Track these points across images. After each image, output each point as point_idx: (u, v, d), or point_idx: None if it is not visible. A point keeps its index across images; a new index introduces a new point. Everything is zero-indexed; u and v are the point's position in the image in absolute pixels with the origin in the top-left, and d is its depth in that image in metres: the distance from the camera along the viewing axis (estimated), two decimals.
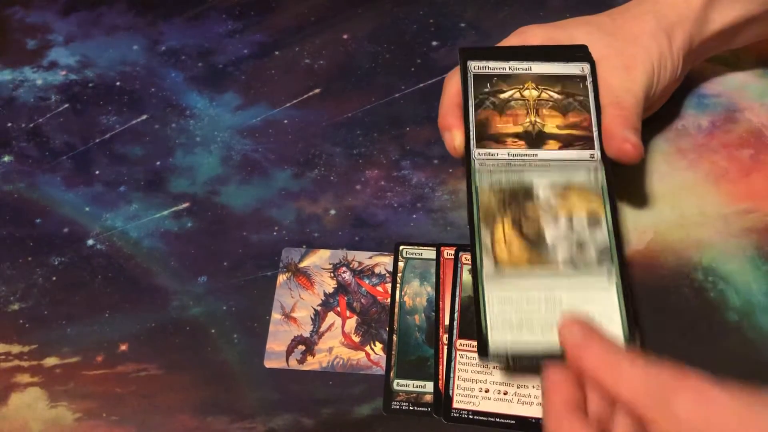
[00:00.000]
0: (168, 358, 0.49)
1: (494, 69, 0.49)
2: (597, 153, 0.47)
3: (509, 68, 0.49)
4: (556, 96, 0.49)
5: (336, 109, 0.60)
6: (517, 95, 0.49)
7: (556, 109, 0.49)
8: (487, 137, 0.47)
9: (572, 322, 0.39)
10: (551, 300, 0.42)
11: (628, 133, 0.47)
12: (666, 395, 0.34)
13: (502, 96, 0.49)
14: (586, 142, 0.48)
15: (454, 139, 0.49)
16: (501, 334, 0.42)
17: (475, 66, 0.49)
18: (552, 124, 0.48)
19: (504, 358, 0.43)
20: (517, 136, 0.48)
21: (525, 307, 0.42)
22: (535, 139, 0.48)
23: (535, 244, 0.44)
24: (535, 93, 0.49)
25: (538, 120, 0.48)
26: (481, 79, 0.49)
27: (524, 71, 0.49)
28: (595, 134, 0.48)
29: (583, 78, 0.49)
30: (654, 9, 0.51)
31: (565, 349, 0.38)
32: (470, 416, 0.45)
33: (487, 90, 0.49)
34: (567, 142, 0.48)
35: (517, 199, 0.46)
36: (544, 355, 0.41)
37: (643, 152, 0.47)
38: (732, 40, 0.54)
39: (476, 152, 0.46)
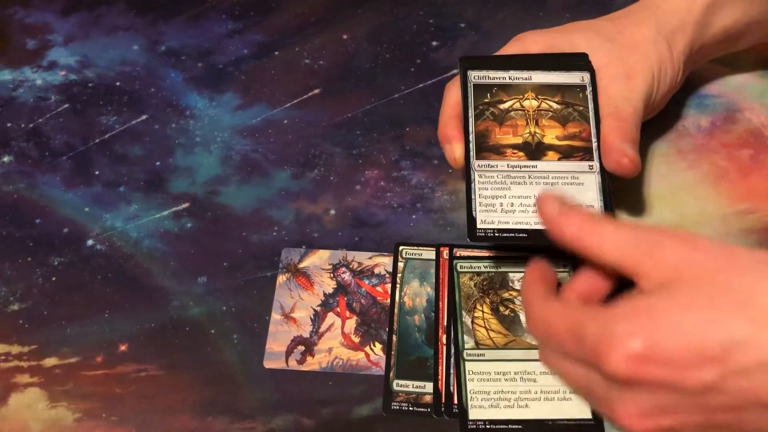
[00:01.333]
0: (168, 359, 0.49)
1: (494, 78, 0.49)
2: (596, 164, 0.47)
3: (509, 78, 0.49)
4: (555, 106, 0.49)
5: (336, 109, 0.60)
6: (517, 105, 0.49)
7: (555, 119, 0.49)
8: (486, 148, 0.47)
9: (547, 196, 0.39)
10: (526, 375, 0.46)
11: (626, 147, 0.47)
12: (652, 246, 0.35)
13: (502, 106, 0.49)
14: (585, 153, 0.47)
15: (454, 151, 0.49)
16: (480, 409, 0.45)
17: (475, 76, 0.49)
18: (551, 134, 0.48)
19: (492, 235, 0.45)
20: (516, 147, 0.48)
21: (502, 382, 0.45)
22: (535, 150, 0.48)
23: (511, 325, 0.47)
24: (534, 103, 0.49)
25: (537, 131, 0.48)
26: (481, 88, 0.49)
27: (524, 81, 0.49)
28: (594, 145, 0.48)
29: (583, 87, 0.49)
30: (655, 15, 0.51)
31: (545, 223, 0.39)
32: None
33: (487, 100, 0.49)
34: (566, 153, 0.48)
35: (494, 286, 0.49)
36: (526, 230, 0.44)
37: (639, 166, 0.47)
38: (732, 44, 0.54)
39: (476, 164, 0.46)
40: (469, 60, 0.51)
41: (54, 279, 0.53)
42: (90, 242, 0.55)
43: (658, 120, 0.54)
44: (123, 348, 0.50)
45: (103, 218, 0.56)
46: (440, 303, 0.49)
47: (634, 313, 0.34)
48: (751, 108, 0.57)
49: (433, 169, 0.56)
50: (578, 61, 0.50)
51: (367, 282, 0.51)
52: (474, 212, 0.45)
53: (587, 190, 0.46)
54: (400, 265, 0.51)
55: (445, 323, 0.49)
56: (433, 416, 0.46)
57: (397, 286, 0.51)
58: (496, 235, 0.45)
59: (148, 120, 0.60)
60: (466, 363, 0.46)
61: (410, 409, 0.46)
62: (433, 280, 0.50)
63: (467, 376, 0.46)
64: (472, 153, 0.47)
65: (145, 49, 0.64)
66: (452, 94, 0.50)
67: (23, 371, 0.49)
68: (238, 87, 0.62)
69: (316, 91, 0.61)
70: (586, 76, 0.49)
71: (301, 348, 0.49)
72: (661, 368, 0.33)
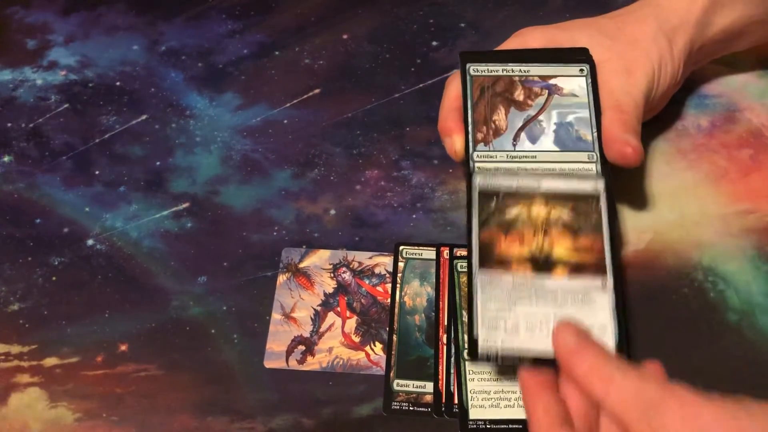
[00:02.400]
0: (168, 358, 0.49)
1: (500, 185, 0.46)
2: (609, 281, 0.43)
3: (516, 184, 0.45)
4: (565, 216, 0.45)
5: (336, 109, 0.60)
6: (525, 214, 0.45)
7: (565, 230, 0.45)
8: (491, 259, 0.44)
9: (567, 327, 0.39)
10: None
11: (628, 137, 0.47)
12: (654, 409, 0.34)
13: (508, 215, 0.45)
14: (597, 269, 0.43)
15: (455, 143, 0.49)
16: (480, 408, 0.44)
17: (480, 182, 0.46)
18: (561, 247, 0.44)
19: (494, 356, 0.42)
20: (522, 259, 0.44)
21: (503, 382, 0.45)
22: (542, 263, 0.44)
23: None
24: (543, 212, 0.45)
25: (545, 242, 0.44)
26: (486, 196, 0.45)
27: (533, 189, 0.45)
28: (608, 260, 0.43)
29: (596, 198, 0.45)
30: (656, 12, 0.51)
31: (557, 354, 0.39)
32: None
33: (492, 208, 0.45)
34: (576, 268, 0.43)
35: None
36: (531, 357, 0.41)
37: (643, 156, 0.47)
38: (733, 44, 0.54)
39: (479, 277, 0.43)
40: (470, 55, 0.51)
41: (54, 279, 0.53)
42: (90, 242, 0.55)
43: (658, 120, 0.54)
44: (123, 348, 0.50)
45: (103, 218, 0.56)
46: (440, 303, 0.49)
47: None
48: (751, 108, 0.57)
49: (434, 169, 0.56)
50: (579, 56, 0.50)
51: (367, 282, 0.51)
52: (476, 331, 0.42)
53: (599, 309, 0.42)
54: (401, 264, 0.51)
55: (446, 323, 0.49)
56: (433, 416, 0.46)
57: (398, 285, 0.51)
58: (498, 354, 0.42)
59: (148, 120, 0.60)
60: (467, 363, 0.46)
61: (410, 408, 0.46)
62: (434, 280, 0.50)
63: (467, 376, 0.46)
64: (476, 263, 0.43)
65: (145, 49, 0.64)
66: (452, 87, 0.50)
67: (23, 371, 0.49)
68: (238, 87, 0.62)
69: (316, 91, 0.61)
70: (601, 183, 0.45)
71: (302, 348, 0.49)
72: None
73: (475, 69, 0.49)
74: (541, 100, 0.48)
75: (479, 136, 0.47)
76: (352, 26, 0.64)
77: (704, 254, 0.50)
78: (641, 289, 0.49)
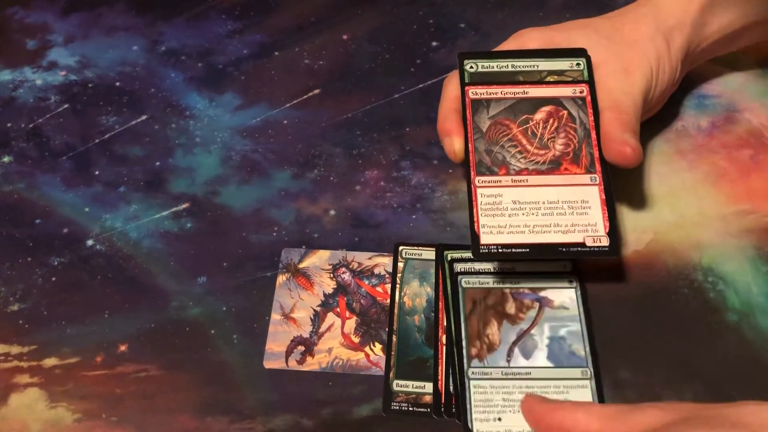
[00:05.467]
0: (168, 359, 0.49)
1: (484, 284, 0.49)
2: (589, 371, 0.46)
3: (493, 282, 0.49)
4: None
5: (336, 109, 0.60)
6: (500, 307, 0.48)
7: None
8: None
9: (531, 395, 0.43)
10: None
11: (627, 137, 0.47)
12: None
13: (489, 309, 0.48)
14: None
15: (454, 144, 0.49)
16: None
17: (464, 281, 0.48)
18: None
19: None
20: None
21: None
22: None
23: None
24: (513, 307, 0.49)
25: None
26: (471, 292, 0.49)
27: (511, 285, 0.49)
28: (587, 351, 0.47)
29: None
30: (653, 13, 0.51)
31: (525, 415, 0.42)
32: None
33: (474, 304, 0.48)
34: None
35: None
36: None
37: (641, 155, 0.47)
38: (729, 44, 0.54)
39: (470, 371, 0.46)
40: (468, 55, 0.51)
41: (54, 279, 0.53)
42: (90, 242, 0.55)
43: (657, 120, 0.54)
44: (123, 348, 0.50)
45: (102, 218, 0.56)
46: (440, 303, 0.49)
47: None
48: (751, 108, 0.57)
49: (433, 169, 0.56)
50: (577, 55, 0.50)
51: (366, 282, 0.52)
52: (470, 424, 0.44)
53: (578, 397, 0.45)
54: (400, 265, 0.51)
55: (445, 324, 0.48)
56: (432, 416, 0.46)
57: (397, 286, 0.51)
58: None
59: (148, 120, 0.60)
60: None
61: (410, 409, 0.46)
62: (433, 281, 0.50)
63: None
64: (465, 360, 0.46)
65: (145, 49, 0.64)
66: (451, 88, 0.51)
67: (23, 371, 0.49)
68: (238, 87, 0.62)
69: (316, 91, 0.61)
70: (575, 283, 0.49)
71: (301, 348, 0.49)
72: None
73: (465, 281, 0.49)
74: (532, 313, 0.48)
75: (473, 351, 0.47)
76: (352, 26, 0.65)
77: (704, 255, 0.50)
78: (641, 290, 0.49)
